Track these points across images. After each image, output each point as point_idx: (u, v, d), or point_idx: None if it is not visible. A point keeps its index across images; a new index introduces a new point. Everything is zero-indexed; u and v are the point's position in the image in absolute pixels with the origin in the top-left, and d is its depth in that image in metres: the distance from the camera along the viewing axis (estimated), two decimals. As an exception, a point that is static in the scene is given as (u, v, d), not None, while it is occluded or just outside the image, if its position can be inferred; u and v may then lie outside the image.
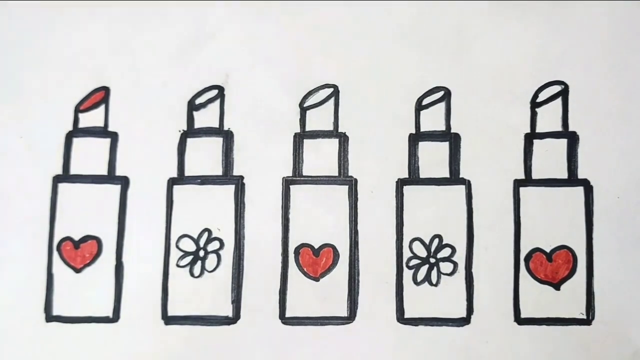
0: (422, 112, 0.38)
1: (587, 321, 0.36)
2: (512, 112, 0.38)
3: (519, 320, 0.36)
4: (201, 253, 0.37)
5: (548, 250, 0.37)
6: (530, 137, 0.38)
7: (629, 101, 0.38)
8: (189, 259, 0.37)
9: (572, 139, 0.37)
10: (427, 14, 0.39)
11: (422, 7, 0.39)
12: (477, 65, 0.38)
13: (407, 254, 0.37)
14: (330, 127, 0.38)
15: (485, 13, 0.39)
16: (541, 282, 0.37)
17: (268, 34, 0.39)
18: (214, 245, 0.37)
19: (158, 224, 0.38)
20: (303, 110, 0.38)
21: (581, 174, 0.37)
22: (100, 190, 0.38)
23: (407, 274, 0.37)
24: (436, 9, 0.39)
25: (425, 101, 0.38)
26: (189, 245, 0.37)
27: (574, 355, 0.36)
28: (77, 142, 0.38)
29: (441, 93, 0.38)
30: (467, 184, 0.37)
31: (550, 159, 0.37)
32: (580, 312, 0.37)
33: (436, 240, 0.37)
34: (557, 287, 0.37)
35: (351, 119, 0.38)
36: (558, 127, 0.38)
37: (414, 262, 0.37)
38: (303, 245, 0.37)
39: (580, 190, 0.37)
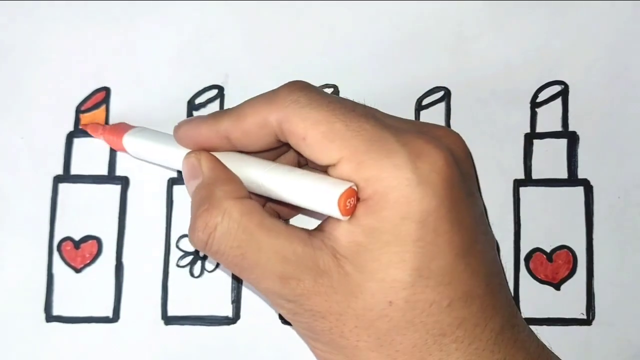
0: (422, 112, 0.38)
1: (588, 321, 0.36)
2: (512, 112, 0.38)
3: (519, 320, 0.36)
4: (201, 253, 0.37)
5: (548, 250, 0.37)
6: (530, 137, 0.38)
7: (629, 101, 0.38)
8: (189, 259, 0.37)
9: (572, 139, 0.37)
10: (427, 14, 0.39)
11: (422, 7, 0.39)
12: (477, 65, 0.38)
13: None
14: (330, 127, 0.38)
15: (485, 13, 0.39)
16: (541, 282, 0.37)
17: (268, 34, 0.39)
18: (214, 245, 0.37)
19: (158, 224, 0.38)
20: (303, 110, 0.38)
21: (581, 174, 0.37)
22: (100, 191, 0.38)
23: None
24: (436, 9, 0.39)
25: (425, 101, 0.38)
26: (189, 246, 0.37)
27: (574, 355, 0.36)
28: (77, 142, 0.38)
29: (441, 93, 0.38)
30: (467, 184, 0.37)
31: (550, 159, 0.37)
32: (580, 312, 0.37)
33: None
34: (557, 287, 0.37)
35: (351, 119, 0.38)
36: (558, 127, 0.38)
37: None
38: (303, 245, 0.37)
39: (580, 190, 0.37)
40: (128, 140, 0.35)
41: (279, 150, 0.32)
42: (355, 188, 0.26)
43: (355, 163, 0.25)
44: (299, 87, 0.27)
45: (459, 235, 0.25)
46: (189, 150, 0.30)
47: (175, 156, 0.31)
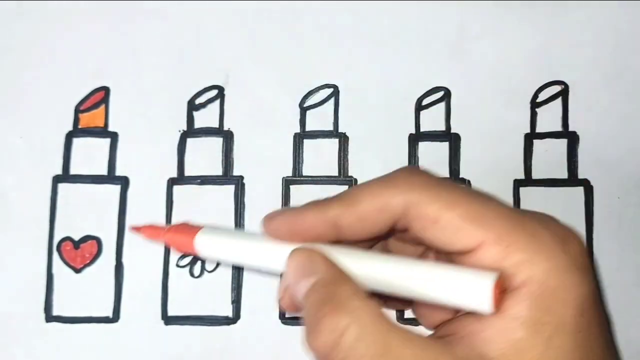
0: (422, 112, 0.38)
1: (587, 321, 0.36)
2: (512, 112, 0.38)
3: (519, 320, 0.36)
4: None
5: (548, 250, 0.37)
6: (530, 137, 0.38)
7: (629, 101, 0.38)
8: (189, 259, 0.37)
9: (572, 139, 0.37)
10: (427, 14, 0.39)
11: (422, 7, 0.39)
12: (477, 65, 0.38)
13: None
14: (330, 127, 0.38)
15: (485, 13, 0.39)
16: (541, 282, 0.37)
17: (268, 34, 0.39)
18: (214, 245, 0.37)
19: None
20: (303, 110, 0.38)
21: (581, 174, 0.37)
22: (100, 190, 0.38)
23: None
24: (436, 9, 0.39)
25: (425, 101, 0.38)
26: (189, 245, 0.37)
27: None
28: (77, 142, 0.38)
29: (441, 93, 0.38)
30: (467, 183, 0.37)
31: (550, 159, 0.37)
32: (580, 312, 0.36)
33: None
34: (557, 287, 0.37)
35: (351, 119, 0.38)
36: (558, 127, 0.38)
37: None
38: (303, 245, 0.37)
39: (580, 190, 0.37)
40: (202, 239, 0.29)
41: (370, 242, 0.28)
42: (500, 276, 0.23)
43: (502, 246, 0.23)
44: (416, 171, 0.25)
45: (605, 324, 0.24)
46: (279, 244, 0.26)
47: (266, 252, 0.27)
